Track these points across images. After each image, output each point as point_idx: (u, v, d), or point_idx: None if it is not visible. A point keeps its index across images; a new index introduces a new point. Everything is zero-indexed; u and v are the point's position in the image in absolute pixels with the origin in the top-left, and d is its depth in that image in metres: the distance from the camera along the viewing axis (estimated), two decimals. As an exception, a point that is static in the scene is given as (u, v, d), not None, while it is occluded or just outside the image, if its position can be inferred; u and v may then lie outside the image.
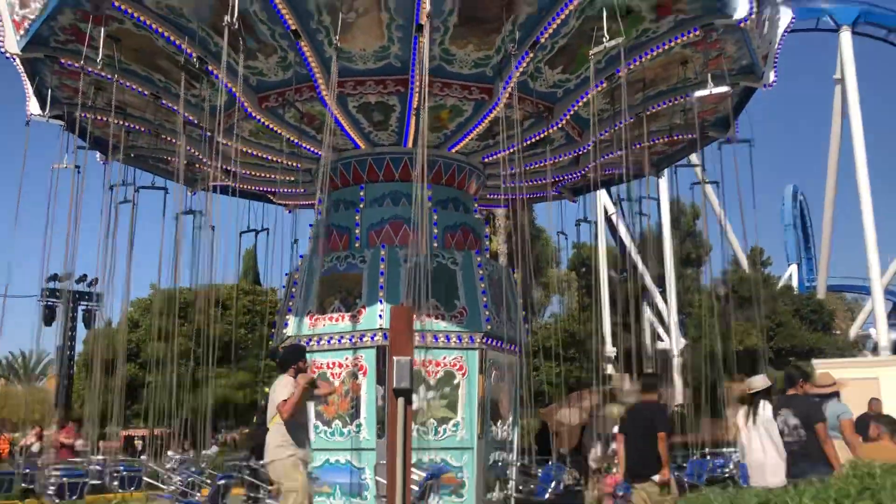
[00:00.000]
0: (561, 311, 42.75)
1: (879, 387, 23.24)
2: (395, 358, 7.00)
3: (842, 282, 52.53)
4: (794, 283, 47.66)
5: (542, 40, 9.43)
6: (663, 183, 30.37)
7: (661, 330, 40.79)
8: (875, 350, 39.62)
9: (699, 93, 10.38)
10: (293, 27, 9.06)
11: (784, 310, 29.81)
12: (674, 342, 32.52)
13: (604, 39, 8.49)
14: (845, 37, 30.51)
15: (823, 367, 23.11)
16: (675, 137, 12.89)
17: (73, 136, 12.17)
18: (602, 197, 37.70)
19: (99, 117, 11.70)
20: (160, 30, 9.35)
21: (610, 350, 37.18)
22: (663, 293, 37.43)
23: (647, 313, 38.92)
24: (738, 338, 27.42)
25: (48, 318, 25.03)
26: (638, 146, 12.94)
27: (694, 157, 15.51)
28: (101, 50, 9.12)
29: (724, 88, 10.12)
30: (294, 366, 7.37)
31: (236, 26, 8.14)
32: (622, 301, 28.14)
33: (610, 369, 35.60)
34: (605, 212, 39.04)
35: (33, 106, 11.67)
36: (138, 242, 21.40)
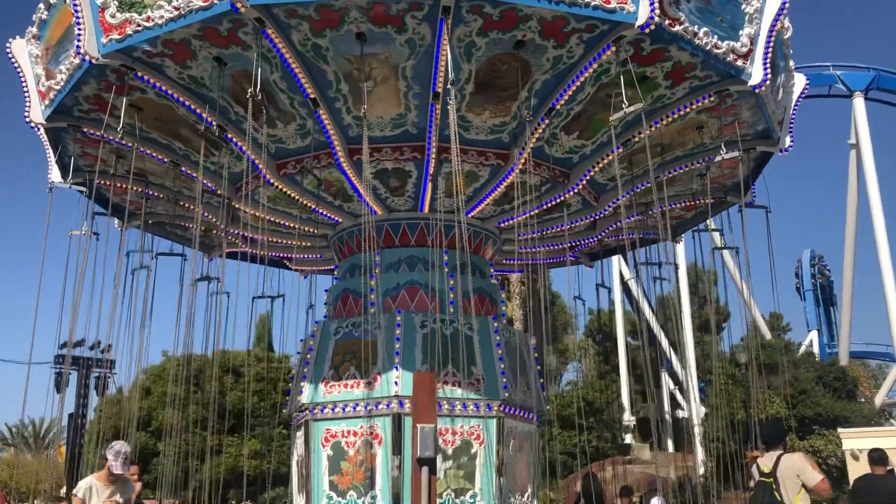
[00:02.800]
0: (577, 378, 42.11)
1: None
2: (418, 426, 6.80)
3: (864, 348, 51.65)
4: (815, 350, 46.87)
5: (558, 107, 9.50)
6: (680, 248, 30.35)
7: (679, 397, 40.08)
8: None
9: (717, 158, 10.38)
10: (312, 96, 9.18)
11: (807, 377, 29.17)
12: (694, 410, 31.83)
13: (623, 105, 8.52)
14: (858, 102, 30.70)
15: (851, 437, 22.52)
16: (694, 202, 12.86)
17: (91, 204, 12.33)
18: (619, 263, 37.62)
19: (119, 185, 11.85)
20: (181, 98, 9.51)
21: (628, 418, 36.52)
22: (681, 360, 36.87)
23: (666, 381, 38.35)
24: (760, 406, 26.83)
25: (60, 385, 25.00)
26: (653, 211, 12.93)
27: (711, 223, 15.44)
28: (122, 119, 9.25)
29: (736, 153, 10.10)
30: (783, 441, 7.61)
31: (259, 97, 8.24)
32: (643, 368, 27.63)
33: (629, 438, 34.89)
34: (622, 277, 38.88)
35: (55, 174, 11.84)
36: (152, 309, 21.36)
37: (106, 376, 25.51)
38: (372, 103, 9.36)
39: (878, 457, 8.55)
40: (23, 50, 10.43)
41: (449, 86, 8.17)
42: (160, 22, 8.33)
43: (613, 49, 8.55)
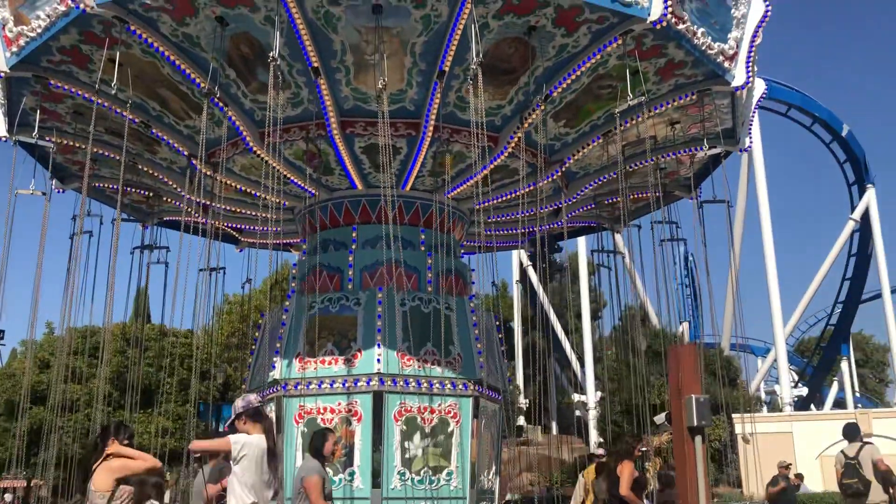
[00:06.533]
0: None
1: (793, 440, 24.73)
2: (692, 396, 7.02)
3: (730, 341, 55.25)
4: (686, 341, 49.81)
5: (555, 94, 9.70)
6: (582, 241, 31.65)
7: (565, 383, 41.68)
8: (770, 406, 41.95)
9: (699, 154, 10.92)
10: (315, 65, 8.95)
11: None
12: (590, 394, 33.24)
13: (628, 97, 8.83)
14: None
15: (741, 422, 24.13)
16: (643, 195, 13.43)
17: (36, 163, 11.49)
18: (518, 253, 38.50)
19: (71, 143, 11.10)
20: (172, 57, 9.01)
21: (522, 401, 37.63)
22: (574, 346, 38.33)
23: (554, 366, 39.77)
24: (655, 392, 28.36)
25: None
26: (609, 201, 13.45)
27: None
28: (115, 75, 8.65)
29: (716, 150, 10.68)
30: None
31: (279, 62, 7.97)
32: (533, 354, 28.53)
33: (521, 420, 36.06)
34: (521, 265, 39.87)
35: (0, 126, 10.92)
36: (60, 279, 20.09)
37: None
38: (374, 77, 9.22)
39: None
40: (-17, -10, 9.54)
41: (473, 65, 8.20)
42: (169, -26, 7.89)
43: (620, 42, 8.83)
